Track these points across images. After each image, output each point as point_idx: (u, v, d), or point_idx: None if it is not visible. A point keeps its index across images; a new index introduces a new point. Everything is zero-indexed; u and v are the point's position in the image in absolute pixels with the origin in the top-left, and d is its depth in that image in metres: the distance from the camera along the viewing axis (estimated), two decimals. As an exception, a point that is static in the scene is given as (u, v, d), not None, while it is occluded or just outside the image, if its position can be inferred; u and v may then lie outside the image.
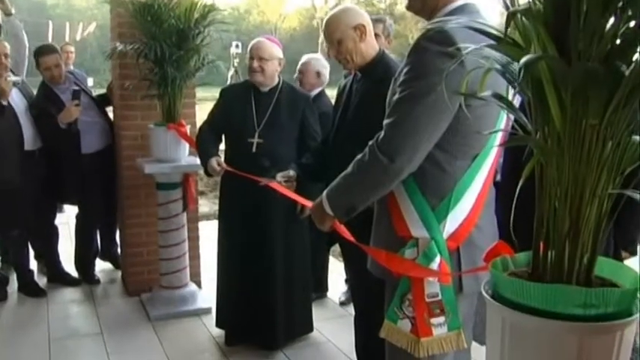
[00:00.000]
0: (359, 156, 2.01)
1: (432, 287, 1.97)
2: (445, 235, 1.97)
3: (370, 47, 2.87)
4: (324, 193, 2.13)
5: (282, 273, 3.81)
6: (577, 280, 1.34)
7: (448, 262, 1.96)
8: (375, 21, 3.51)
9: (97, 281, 5.20)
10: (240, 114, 3.79)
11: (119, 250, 5.42)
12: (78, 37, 20.33)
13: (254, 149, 3.71)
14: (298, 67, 4.78)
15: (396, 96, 1.91)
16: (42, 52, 4.92)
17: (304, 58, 4.85)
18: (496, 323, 1.36)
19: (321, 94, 4.68)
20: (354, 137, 2.86)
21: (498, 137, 1.99)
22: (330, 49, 2.93)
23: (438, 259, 1.94)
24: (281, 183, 3.06)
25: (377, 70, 2.85)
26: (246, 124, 3.76)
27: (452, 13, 1.96)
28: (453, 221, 1.98)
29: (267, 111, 3.78)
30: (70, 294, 4.97)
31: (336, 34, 2.81)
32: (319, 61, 4.78)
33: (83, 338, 4.18)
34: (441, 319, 1.98)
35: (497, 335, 1.36)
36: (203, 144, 3.93)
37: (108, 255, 5.49)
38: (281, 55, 3.84)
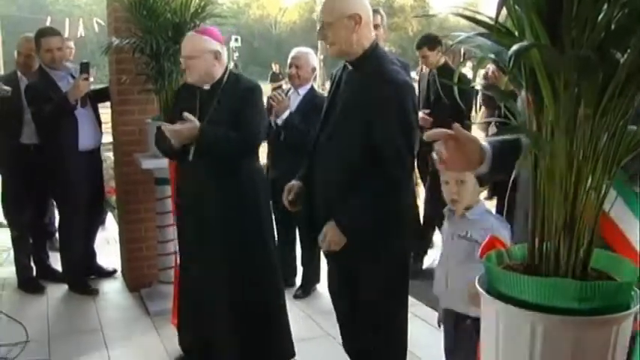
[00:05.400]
0: None
1: None
2: None
3: (364, 39, 2.76)
4: None
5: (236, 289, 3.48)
6: (573, 273, 1.31)
7: None
8: (373, 12, 3.45)
9: (95, 291, 4.94)
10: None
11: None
12: (78, 34, 20.22)
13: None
14: (291, 60, 4.61)
15: None
16: (44, 33, 4.73)
17: (297, 51, 4.70)
18: (490, 317, 1.33)
19: (313, 88, 4.62)
20: (337, 131, 2.78)
21: None
22: (319, 28, 2.81)
23: None
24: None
25: (367, 64, 2.77)
26: None
27: None
28: None
29: (210, 109, 3.41)
30: (70, 290, 4.96)
31: (327, 17, 2.73)
32: (314, 55, 4.71)
33: (83, 334, 4.18)
34: None
35: (492, 330, 1.34)
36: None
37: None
38: (215, 47, 3.38)
